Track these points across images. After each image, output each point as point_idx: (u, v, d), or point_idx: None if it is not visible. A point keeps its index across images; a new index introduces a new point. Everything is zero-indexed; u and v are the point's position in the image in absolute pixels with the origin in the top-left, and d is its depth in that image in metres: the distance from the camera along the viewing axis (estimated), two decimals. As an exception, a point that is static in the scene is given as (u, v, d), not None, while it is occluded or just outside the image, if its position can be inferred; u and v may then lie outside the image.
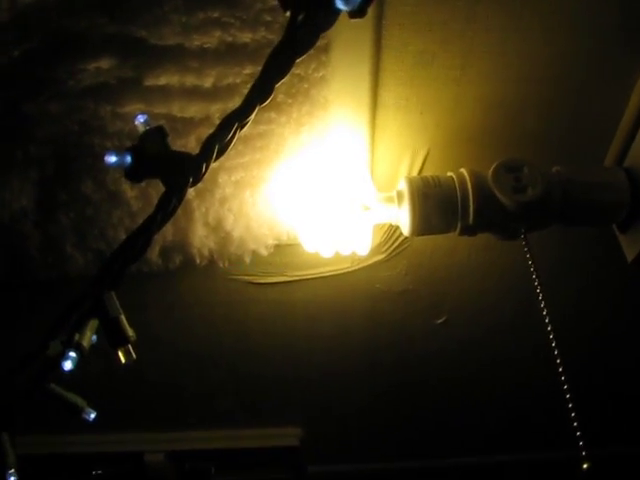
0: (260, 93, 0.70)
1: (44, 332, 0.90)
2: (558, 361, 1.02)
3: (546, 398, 1.56)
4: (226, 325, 1.54)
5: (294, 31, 0.66)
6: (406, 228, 1.13)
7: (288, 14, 0.68)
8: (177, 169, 0.74)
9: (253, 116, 0.71)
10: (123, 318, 0.89)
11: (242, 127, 0.72)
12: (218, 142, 0.72)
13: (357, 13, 0.62)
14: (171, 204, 0.75)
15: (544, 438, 1.87)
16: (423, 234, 1.14)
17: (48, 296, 1.32)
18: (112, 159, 0.74)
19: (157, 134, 0.78)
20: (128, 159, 0.75)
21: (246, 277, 1.43)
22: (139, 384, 1.61)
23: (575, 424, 0.97)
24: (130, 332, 0.89)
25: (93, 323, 0.91)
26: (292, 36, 0.66)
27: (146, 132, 0.78)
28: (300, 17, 0.67)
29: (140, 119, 0.80)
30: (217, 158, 0.74)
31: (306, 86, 1.13)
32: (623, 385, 1.75)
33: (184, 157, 0.75)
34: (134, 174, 0.75)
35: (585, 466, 0.95)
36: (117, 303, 0.89)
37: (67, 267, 1.29)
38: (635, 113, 1.20)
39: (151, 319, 1.48)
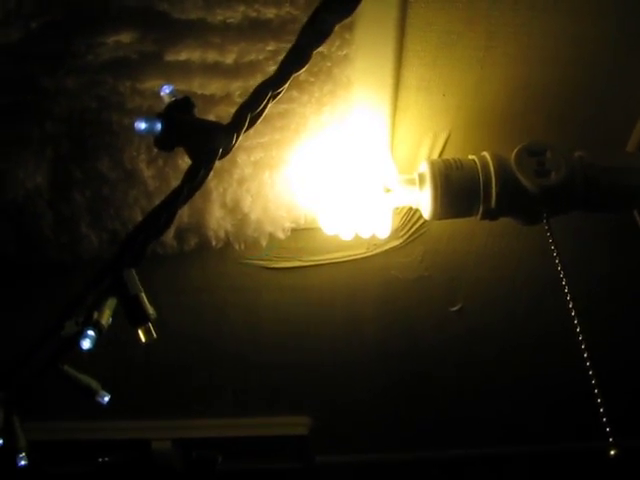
0: (297, 59, 0.67)
1: (60, 311, 0.88)
2: (583, 347, 0.99)
3: (564, 387, 1.54)
4: (237, 311, 1.52)
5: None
6: (427, 211, 1.11)
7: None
8: (207, 139, 0.72)
9: (287, 85, 0.69)
10: (144, 296, 0.87)
11: (275, 97, 0.70)
12: (250, 111, 0.69)
13: None
14: (199, 177, 0.73)
15: (563, 428, 1.85)
16: (444, 218, 1.12)
17: (61, 277, 1.30)
18: (142, 125, 0.72)
19: (185, 104, 0.76)
20: (158, 126, 0.72)
21: (260, 262, 1.41)
22: (146, 370, 1.59)
23: (601, 410, 0.94)
24: (151, 310, 0.88)
25: (111, 302, 0.89)
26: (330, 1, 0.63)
27: (174, 102, 0.76)
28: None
29: (166, 90, 0.78)
30: (248, 128, 0.71)
31: (329, 64, 1.11)
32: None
33: (214, 126, 0.73)
34: (164, 142, 0.73)
35: (612, 453, 0.92)
36: (137, 280, 0.87)
37: (81, 248, 1.27)
38: (659, 98, 1.17)
39: (161, 303, 1.44)
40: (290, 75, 0.68)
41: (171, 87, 0.77)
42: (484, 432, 1.88)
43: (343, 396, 1.75)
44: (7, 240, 1.25)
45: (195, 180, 0.73)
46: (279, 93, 0.70)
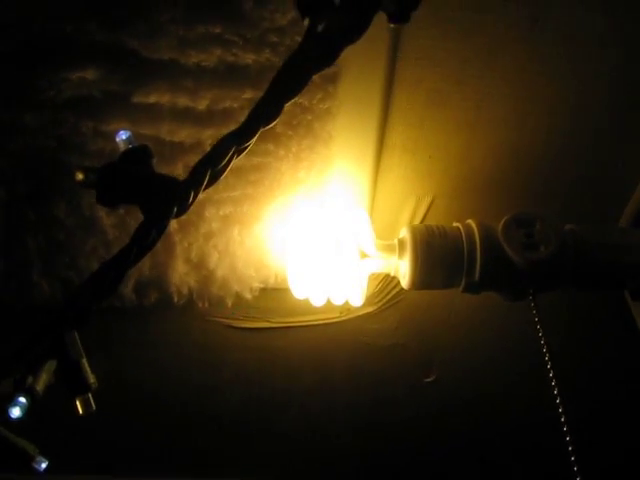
0: (265, 113, 0.59)
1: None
2: (565, 429, 0.92)
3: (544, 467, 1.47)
4: (200, 370, 1.43)
5: (313, 41, 0.56)
6: (405, 280, 1.03)
7: (307, 22, 0.58)
8: (160, 196, 0.64)
9: (254, 140, 0.61)
10: (85, 362, 0.78)
11: (240, 152, 0.62)
12: (211, 167, 0.61)
13: (399, 17, 0.52)
14: (150, 236, 0.65)
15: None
16: (424, 288, 1.05)
17: (9, 326, 1.21)
18: (80, 176, 0.64)
19: (141, 154, 0.68)
20: (93, 178, 0.64)
21: (226, 320, 1.33)
22: (99, 424, 1.50)
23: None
24: (92, 379, 0.79)
25: (50, 365, 0.80)
26: (310, 47, 0.55)
27: (128, 150, 0.68)
28: (321, 26, 0.57)
29: (122, 136, 0.70)
30: (208, 186, 0.63)
31: (309, 118, 1.05)
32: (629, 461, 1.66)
33: (169, 182, 0.65)
34: (108, 197, 0.64)
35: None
36: (79, 344, 0.78)
37: (32, 296, 1.18)
38: (655, 173, 1.12)
39: (119, 357, 1.37)
40: (258, 129, 0.61)
41: (128, 133, 0.69)
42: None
43: (308, 464, 1.67)
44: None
45: (146, 240, 0.64)
46: (245, 148, 0.62)
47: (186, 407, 1.50)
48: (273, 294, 1.31)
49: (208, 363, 1.43)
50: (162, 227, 0.65)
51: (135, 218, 1.09)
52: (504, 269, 1.02)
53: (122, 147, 0.71)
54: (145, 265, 1.17)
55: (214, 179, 0.64)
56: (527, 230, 1.03)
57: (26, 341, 0.78)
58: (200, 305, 1.26)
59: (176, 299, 1.24)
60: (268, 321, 1.36)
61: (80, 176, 0.64)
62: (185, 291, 1.23)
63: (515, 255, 1.00)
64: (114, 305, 1.24)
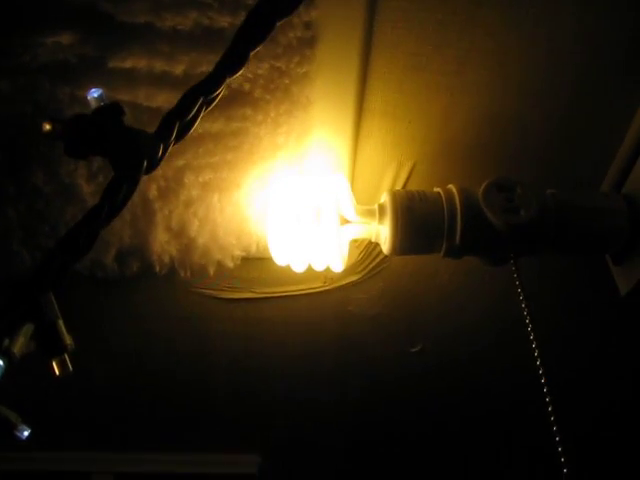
0: (231, 61, 0.59)
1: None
2: (545, 390, 0.92)
3: (528, 430, 1.47)
4: (185, 341, 1.43)
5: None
6: (386, 246, 1.03)
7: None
8: (130, 150, 0.63)
9: (221, 90, 0.60)
10: (61, 323, 0.78)
11: (208, 104, 0.62)
12: (179, 119, 0.61)
13: None
14: (121, 192, 0.64)
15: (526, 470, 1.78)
16: (404, 253, 1.04)
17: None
18: (47, 127, 0.63)
19: (112, 110, 0.67)
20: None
21: (210, 291, 1.33)
22: (88, 399, 1.51)
23: (562, 460, 0.87)
24: (68, 340, 0.78)
25: (28, 328, 0.79)
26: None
27: (100, 107, 0.67)
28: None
29: (94, 94, 0.69)
30: (178, 139, 0.63)
31: (287, 82, 1.04)
32: (610, 416, 1.66)
33: (139, 136, 0.64)
34: (75, 149, 0.64)
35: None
36: (56, 306, 0.78)
37: (12, 266, 1.17)
38: (636, 137, 1.13)
39: (103, 329, 1.37)
40: (224, 79, 0.60)
41: (99, 91, 0.69)
42: (447, 476, 1.79)
43: (295, 435, 1.68)
44: None
45: (117, 196, 0.64)
46: (213, 99, 0.62)
47: (172, 378, 1.51)
48: (256, 263, 1.30)
49: (193, 334, 1.43)
50: (133, 182, 0.64)
51: (115, 186, 1.08)
52: (485, 233, 1.01)
53: (94, 105, 0.70)
54: (125, 234, 1.16)
55: (183, 132, 0.64)
56: (508, 194, 1.03)
57: (1, 305, 0.78)
58: (182, 274, 1.25)
59: (158, 268, 1.23)
60: (252, 291, 1.35)
61: (47, 127, 0.64)
62: (167, 260, 1.22)
63: (495, 219, 1.00)
64: (96, 275, 1.23)
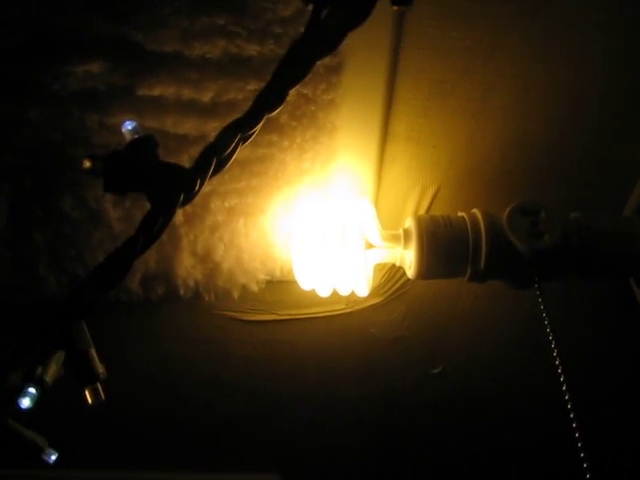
0: (270, 99, 0.59)
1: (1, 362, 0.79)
2: (571, 416, 0.92)
3: (546, 456, 1.46)
4: (207, 363, 1.43)
5: (317, 28, 0.56)
6: (411, 270, 1.03)
7: (310, 8, 0.58)
8: (167, 184, 0.64)
9: (259, 127, 0.61)
10: (93, 352, 0.78)
11: (245, 140, 0.62)
12: (217, 155, 0.62)
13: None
14: (157, 225, 0.65)
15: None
16: (430, 278, 1.05)
17: (16, 321, 1.21)
18: (87, 164, 0.64)
19: (147, 143, 0.68)
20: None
21: (232, 313, 1.33)
22: (107, 418, 1.50)
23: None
24: (100, 369, 0.79)
25: (59, 356, 0.80)
26: (314, 33, 0.56)
27: (135, 140, 0.68)
28: (324, 12, 0.57)
29: (128, 126, 0.70)
30: (214, 174, 0.64)
31: (313, 109, 1.04)
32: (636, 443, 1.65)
33: (176, 170, 0.65)
34: (115, 185, 0.65)
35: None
36: (87, 335, 0.79)
37: (39, 291, 1.18)
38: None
39: (126, 352, 1.37)
40: (263, 116, 0.61)
41: (134, 123, 0.70)
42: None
43: (314, 457, 1.67)
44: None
45: (153, 229, 0.64)
46: (250, 135, 0.62)
47: (193, 400, 1.50)
48: (279, 286, 1.30)
49: (215, 356, 1.43)
50: (168, 216, 0.65)
51: (141, 210, 1.08)
52: (509, 258, 1.01)
53: (128, 137, 0.71)
54: (151, 259, 1.17)
55: (220, 167, 0.64)
56: (532, 219, 1.02)
57: (34, 333, 0.78)
58: (206, 298, 1.26)
59: (182, 292, 1.23)
60: (274, 313, 1.35)
61: (87, 164, 0.65)
62: (191, 284, 1.22)
63: (520, 244, 1.00)
64: (121, 299, 1.23)
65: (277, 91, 0.61)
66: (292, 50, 0.60)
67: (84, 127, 1.02)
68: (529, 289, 1.05)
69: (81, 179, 1.06)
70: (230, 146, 0.63)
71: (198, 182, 0.64)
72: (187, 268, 1.19)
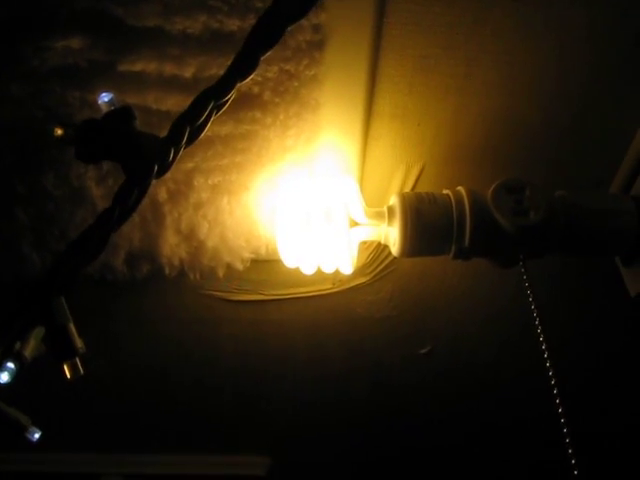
0: (242, 66, 0.59)
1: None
2: (555, 391, 0.92)
3: (536, 433, 1.47)
4: (195, 343, 1.43)
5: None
6: (396, 248, 1.03)
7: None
8: (140, 154, 0.63)
9: (232, 95, 0.61)
10: (72, 327, 0.78)
11: (219, 108, 0.62)
12: (189, 123, 0.61)
13: None
14: (132, 196, 0.64)
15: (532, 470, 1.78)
16: (414, 255, 1.04)
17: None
18: (58, 132, 0.64)
19: (124, 114, 0.68)
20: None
21: (219, 293, 1.33)
22: (97, 400, 1.51)
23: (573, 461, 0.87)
24: (79, 343, 0.79)
25: (39, 331, 0.80)
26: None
27: (111, 111, 0.68)
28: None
29: (104, 98, 0.70)
30: (189, 144, 0.63)
31: (296, 84, 1.04)
32: (620, 417, 1.66)
33: (149, 139, 0.64)
34: (87, 153, 0.64)
35: None
36: (67, 310, 0.79)
37: (22, 269, 1.17)
38: (646, 139, 1.11)
39: (113, 331, 1.38)
40: (235, 83, 0.61)
41: (110, 95, 0.69)
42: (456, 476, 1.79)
43: (303, 437, 1.68)
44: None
45: (129, 200, 0.64)
46: (224, 104, 0.62)
47: (182, 381, 1.51)
48: (265, 266, 1.30)
49: (203, 336, 1.43)
50: (143, 186, 0.65)
51: (125, 189, 1.09)
52: (494, 235, 1.01)
53: (104, 109, 0.71)
54: (135, 237, 1.17)
55: (193, 136, 0.64)
56: (517, 196, 1.02)
57: (12, 308, 0.78)
58: (192, 277, 1.26)
59: (168, 271, 1.23)
60: (261, 293, 1.35)
61: (59, 131, 0.64)
62: (176, 262, 1.22)
63: (504, 221, 1.00)
64: (106, 278, 1.23)
65: (248, 58, 0.61)
66: (262, 17, 0.60)
67: (65, 103, 1.02)
68: (514, 267, 1.05)
69: (64, 157, 1.06)
70: (203, 115, 0.63)
71: (172, 151, 0.64)
72: (171, 246, 1.19)
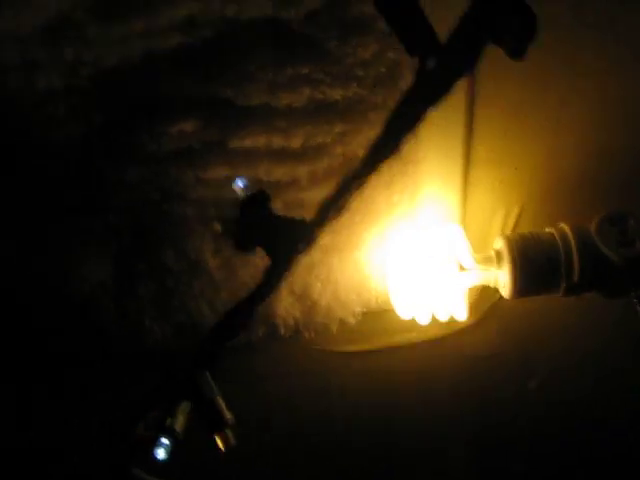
0: (385, 149, 0.63)
1: (130, 414, 0.83)
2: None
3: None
4: (306, 397, 1.45)
5: (424, 77, 0.59)
6: (506, 290, 1.05)
7: (417, 61, 0.61)
8: (285, 237, 0.67)
9: (374, 176, 0.64)
10: (220, 400, 0.82)
11: (358, 188, 0.65)
12: (335, 205, 0.65)
13: (519, 51, 0.54)
14: (276, 276, 0.68)
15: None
16: (524, 296, 1.06)
17: (123, 370, 1.26)
18: (218, 227, 0.69)
19: (260, 199, 0.72)
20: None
21: (330, 346, 1.35)
22: (213, 462, 1.53)
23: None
24: (228, 415, 0.82)
25: (185, 406, 0.84)
26: (423, 84, 0.59)
27: (248, 197, 0.72)
28: (431, 62, 0.60)
29: (239, 183, 0.74)
30: (329, 222, 0.67)
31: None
32: None
33: (294, 223, 0.68)
34: (244, 242, 0.69)
35: None
36: (212, 383, 0.82)
37: (145, 340, 1.22)
38: None
39: (229, 392, 1.40)
40: (378, 166, 0.64)
41: (244, 180, 0.73)
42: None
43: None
44: (70, 335, 1.21)
45: (273, 280, 0.68)
46: (363, 183, 0.65)
47: (295, 435, 1.52)
48: (374, 316, 1.32)
49: (314, 389, 1.44)
50: (288, 266, 0.68)
51: (241, 259, 1.13)
52: (602, 268, 1.02)
53: (240, 194, 0.75)
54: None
55: (335, 216, 0.67)
56: (620, 227, 1.03)
57: (159, 384, 0.82)
58: (306, 335, 1.28)
59: (283, 331, 1.26)
60: (370, 343, 1.37)
61: (218, 227, 0.69)
62: (291, 322, 1.25)
63: (611, 253, 1.01)
64: (224, 343, 1.27)
65: (392, 141, 0.64)
66: (404, 100, 0.63)
67: (180, 183, 1.07)
68: (621, 297, 1.06)
69: (180, 232, 1.11)
70: (348, 196, 0.67)
71: (317, 233, 0.68)
72: (286, 307, 1.22)
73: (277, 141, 1.04)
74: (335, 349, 1.36)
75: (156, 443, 0.81)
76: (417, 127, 0.63)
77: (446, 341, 1.39)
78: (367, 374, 1.42)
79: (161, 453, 0.81)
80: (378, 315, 1.31)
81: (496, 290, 1.09)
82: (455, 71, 0.60)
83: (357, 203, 1.07)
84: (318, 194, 1.08)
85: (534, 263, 1.04)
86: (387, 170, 1.10)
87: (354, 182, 0.65)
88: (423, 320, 1.11)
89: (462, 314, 1.10)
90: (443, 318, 1.11)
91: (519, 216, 1.19)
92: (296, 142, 1.05)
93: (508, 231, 1.21)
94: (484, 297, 1.32)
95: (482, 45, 0.58)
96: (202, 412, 0.81)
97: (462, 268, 1.08)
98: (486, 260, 1.07)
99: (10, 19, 0.92)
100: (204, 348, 0.78)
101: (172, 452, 0.82)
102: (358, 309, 1.25)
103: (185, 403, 0.84)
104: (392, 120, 0.63)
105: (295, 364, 1.39)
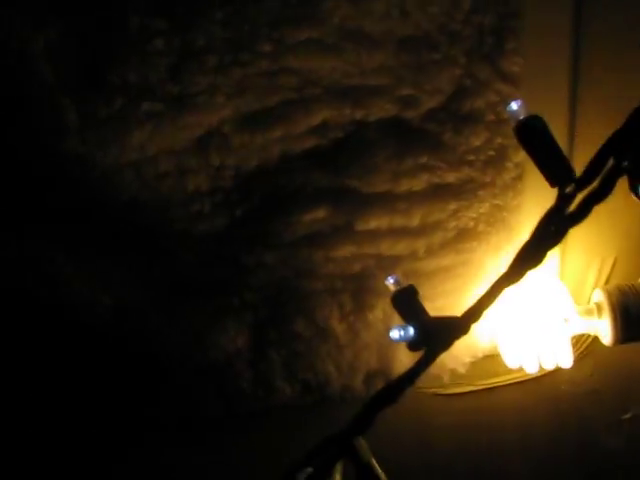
0: (532, 260, 0.74)
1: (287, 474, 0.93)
2: None
3: None
4: (409, 437, 1.53)
5: (565, 201, 0.70)
6: (607, 339, 1.16)
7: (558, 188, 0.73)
8: (441, 335, 0.79)
9: (522, 280, 0.75)
10: (374, 462, 0.92)
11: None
12: (486, 306, 0.76)
13: None
14: (435, 359, 0.79)
15: None
16: (624, 343, 1.16)
17: (251, 428, 1.37)
18: (396, 335, 0.80)
19: (411, 292, 0.83)
20: (410, 332, 0.80)
21: (434, 389, 1.45)
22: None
23: None
24: (382, 476, 0.92)
25: (338, 468, 0.93)
26: (563, 206, 0.70)
27: (400, 290, 0.83)
28: (569, 189, 0.72)
29: (390, 280, 0.85)
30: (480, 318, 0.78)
31: (504, 214, 1.18)
32: None
33: (448, 322, 0.80)
34: (416, 344, 0.80)
35: None
36: (367, 447, 0.92)
37: (274, 398, 1.34)
38: None
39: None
40: (524, 273, 0.75)
41: (395, 277, 0.85)
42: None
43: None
44: (206, 398, 1.33)
45: (430, 362, 0.79)
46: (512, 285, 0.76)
47: (399, 471, 1.58)
48: (478, 363, 1.43)
49: (415, 430, 1.53)
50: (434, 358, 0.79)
51: (364, 323, 1.24)
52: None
53: (391, 288, 0.86)
54: (372, 359, 1.31)
55: (482, 315, 0.78)
56: None
57: (315, 448, 0.92)
58: (419, 384, 1.39)
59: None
60: (473, 385, 1.47)
61: (396, 335, 0.80)
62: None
63: None
64: (345, 398, 1.37)
65: (538, 253, 0.75)
66: (546, 220, 0.74)
67: (311, 262, 1.19)
68: None
69: (310, 304, 1.22)
70: (496, 297, 0.77)
71: (471, 327, 0.79)
72: (403, 363, 1.33)
73: (398, 221, 1.16)
74: (439, 392, 1.46)
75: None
76: (557, 243, 0.73)
77: (544, 378, 1.47)
78: (467, 413, 1.50)
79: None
80: (481, 361, 1.40)
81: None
82: (593, 200, 0.70)
83: (467, 268, 1.19)
84: (434, 263, 1.20)
85: (633, 314, 1.14)
86: (495, 238, 1.20)
87: (504, 287, 0.75)
88: (531, 369, 1.21)
89: (568, 362, 1.20)
90: (549, 367, 1.21)
91: (614, 266, 1.28)
92: (415, 220, 1.16)
93: (603, 281, 1.30)
94: (581, 338, 1.40)
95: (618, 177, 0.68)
96: (360, 474, 0.91)
97: (566, 320, 1.18)
98: (588, 312, 1.18)
99: (169, 136, 1.05)
100: (364, 417, 0.88)
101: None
102: (467, 360, 1.35)
103: (338, 465, 0.94)
104: (535, 234, 0.73)
105: (399, 408, 1.47)
